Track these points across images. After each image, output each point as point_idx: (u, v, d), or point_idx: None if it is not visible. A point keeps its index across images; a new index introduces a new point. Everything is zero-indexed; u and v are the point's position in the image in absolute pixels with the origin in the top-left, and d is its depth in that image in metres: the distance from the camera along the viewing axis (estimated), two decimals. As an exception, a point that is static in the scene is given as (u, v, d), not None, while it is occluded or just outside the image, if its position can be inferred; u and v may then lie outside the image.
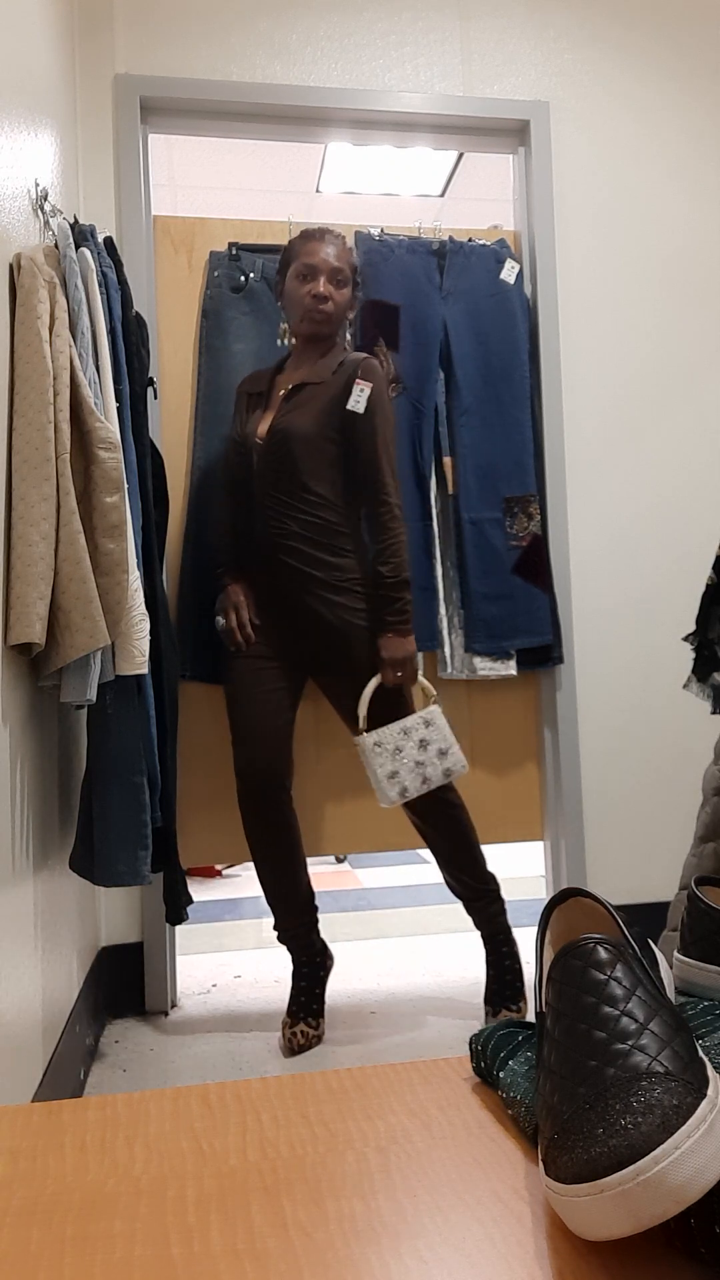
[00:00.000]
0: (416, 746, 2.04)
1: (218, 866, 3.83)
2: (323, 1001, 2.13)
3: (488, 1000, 2.16)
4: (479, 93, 2.60)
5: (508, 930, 2.18)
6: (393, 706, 2.07)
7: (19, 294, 1.49)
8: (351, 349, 2.21)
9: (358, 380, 2.08)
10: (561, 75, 2.64)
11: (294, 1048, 2.03)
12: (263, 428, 2.13)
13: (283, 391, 2.15)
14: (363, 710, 2.05)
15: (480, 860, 2.15)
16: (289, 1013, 2.11)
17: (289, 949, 2.15)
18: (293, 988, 2.13)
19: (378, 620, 2.05)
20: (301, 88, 2.50)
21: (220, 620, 2.15)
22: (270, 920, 3.14)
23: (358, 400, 2.07)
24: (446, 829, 2.12)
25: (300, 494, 2.07)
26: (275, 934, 2.15)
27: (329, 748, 2.46)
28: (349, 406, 2.07)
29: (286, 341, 2.31)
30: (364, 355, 2.14)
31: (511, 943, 2.17)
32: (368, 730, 2.05)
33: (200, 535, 2.39)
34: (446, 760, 2.05)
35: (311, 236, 2.15)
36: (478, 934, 2.89)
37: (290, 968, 2.20)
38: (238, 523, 2.19)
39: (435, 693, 2.09)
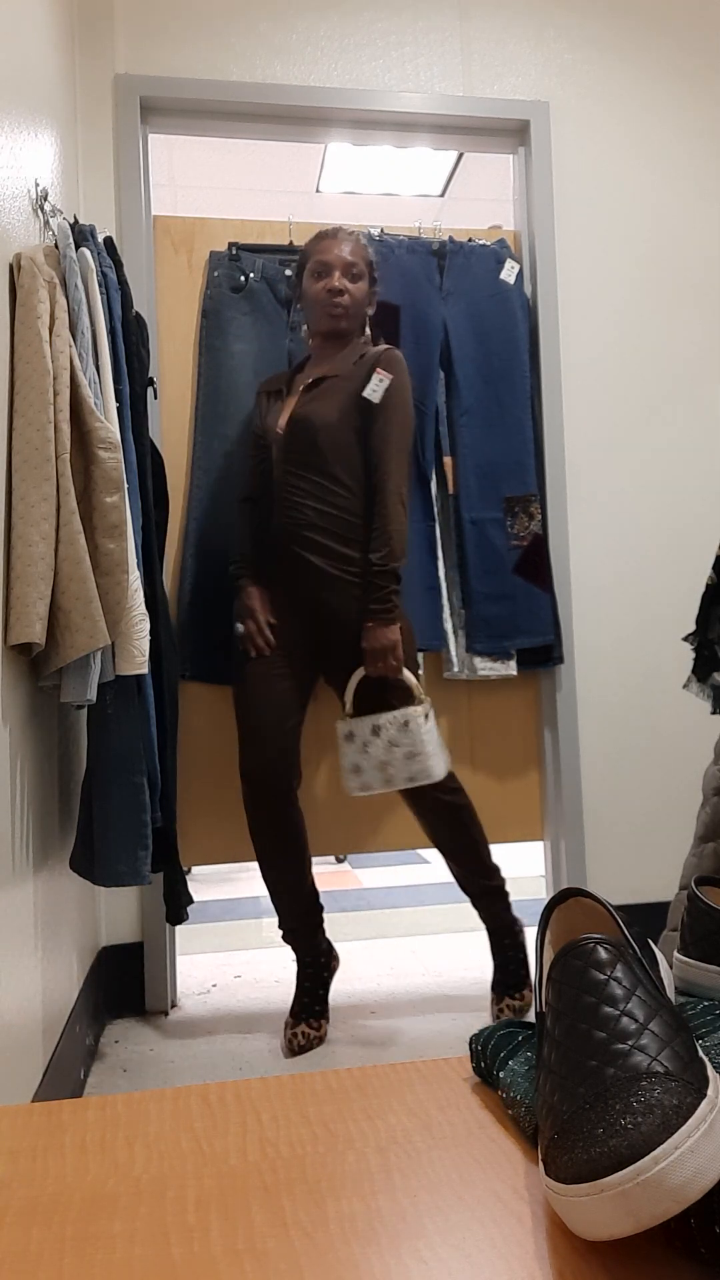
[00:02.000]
0: (385, 746, 2.02)
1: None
2: (326, 1003, 2.13)
3: (493, 988, 2.20)
4: (479, 93, 2.60)
5: (512, 924, 2.19)
6: (382, 697, 2.06)
7: (19, 294, 1.49)
8: (371, 344, 2.21)
9: (378, 370, 2.09)
10: (561, 75, 2.64)
11: (294, 1048, 2.03)
12: (283, 419, 2.14)
13: (303, 386, 2.16)
14: (348, 696, 2.07)
15: (483, 855, 2.15)
16: (292, 1013, 2.11)
17: (294, 949, 2.15)
18: (296, 988, 2.13)
19: (364, 608, 2.05)
20: (301, 88, 2.50)
21: (240, 626, 2.13)
22: (272, 920, 3.14)
23: (374, 390, 2.07)
24: (445, 822, 2.13)
25: (319, 482, 2.08)
26: (280, 934, 2.15)
27: (330, 748, 2.46)
28: (364, 394, 2.07)
29: (307, 343, 2.29)
30: (387, 347, 2.15)
31: (515, 934, 2.18)
32: (351, 716, 2.07)
33: (203, 535, 2.39)
34: (413, 765, 2.02)
35: (325, 235, 2.17)
36: (477, 933, 2.90)
37: (294, 968, 2.20)
38: (256, 521, 2.19)
39: (425, 697, 2.07)
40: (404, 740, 2.02)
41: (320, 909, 2.14)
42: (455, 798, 2.13)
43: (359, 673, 2.06)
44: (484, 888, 2.16)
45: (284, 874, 2.09)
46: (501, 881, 2.17)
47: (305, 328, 2.27)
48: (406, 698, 2.06)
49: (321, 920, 2.15)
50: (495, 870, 2.17)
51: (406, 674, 2.07)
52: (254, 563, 2.18)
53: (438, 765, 2.03)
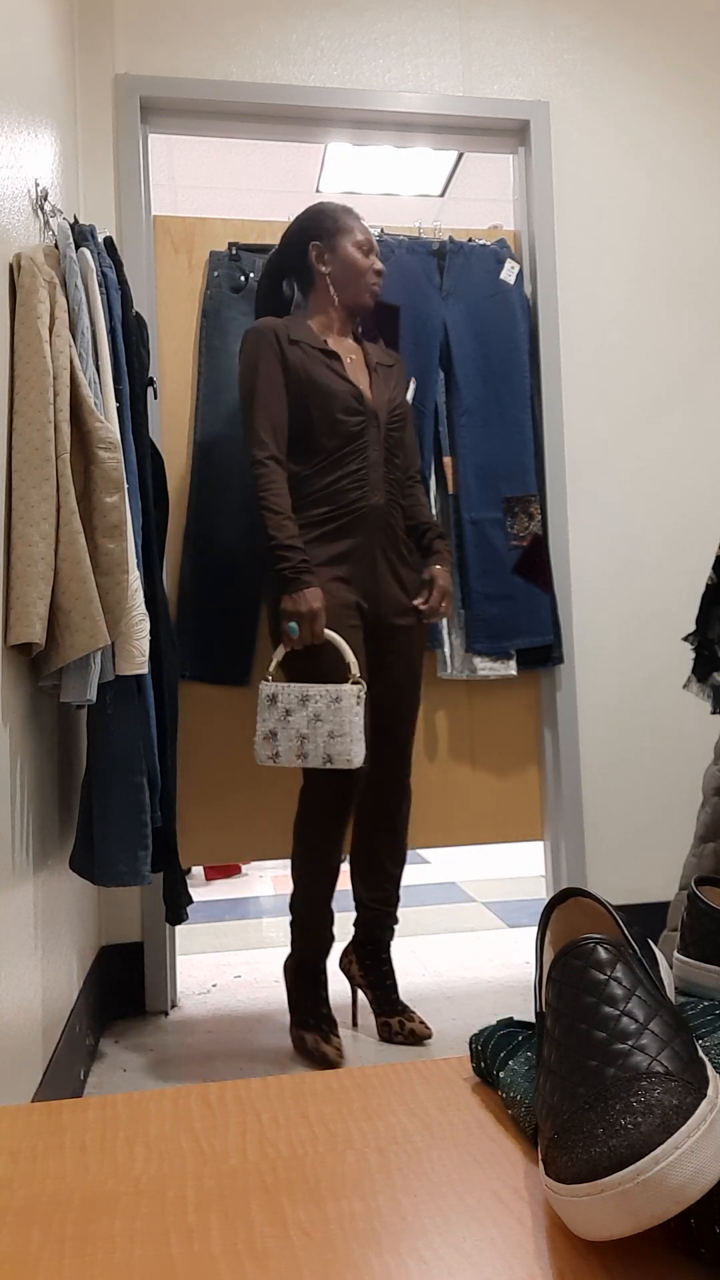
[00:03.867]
0: (309, 719, 1.92)
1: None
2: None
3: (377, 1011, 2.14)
4: (479, 93, 2.60)
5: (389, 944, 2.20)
6: (316, 667, 1.97)
7: (19, 294, 1.49)
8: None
9: (411, 379, 2.20)
10: (561, 75, 2.64)
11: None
12: (371, 394, 2.11)
13: (375, 363, 2.16)
14: (276, 656, 1.99)
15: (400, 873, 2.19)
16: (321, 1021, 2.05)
17: (313, 955, 2.07)
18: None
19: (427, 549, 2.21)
20: (301, 88, 2.50)
21: (294, 628, 1.94)
22: (272, 920, 3.14)
23: (408, 397, 2.17)
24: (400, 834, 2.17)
25: (402, 471, 2.16)
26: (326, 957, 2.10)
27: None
28: (408, 398, 2.14)
29: (296, 304, 2.25)
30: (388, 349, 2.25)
31: (389, 952, 2.19)
32: (276, 680, 1.99)
33: (203, 535, 2.38)
34: (333, 745, 1.90)
35: (351, 213, 2.17)
36: (477, 933, 2.90)
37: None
38: (318, 491, 2.04)
39: (361, 679, 1.95)
40: (331, 718, 1.90)
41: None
42: (405, 807, 2.18)
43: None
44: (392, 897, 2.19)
45: (333, 877, 2.06)
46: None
47: (310, 292, 2.16)
48: (342, 674, 1.95)
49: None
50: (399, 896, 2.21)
51: (345, 647, 1.96)
52: (304, 549, 1.99)
53: (358, 752, 1.91)
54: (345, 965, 2.19)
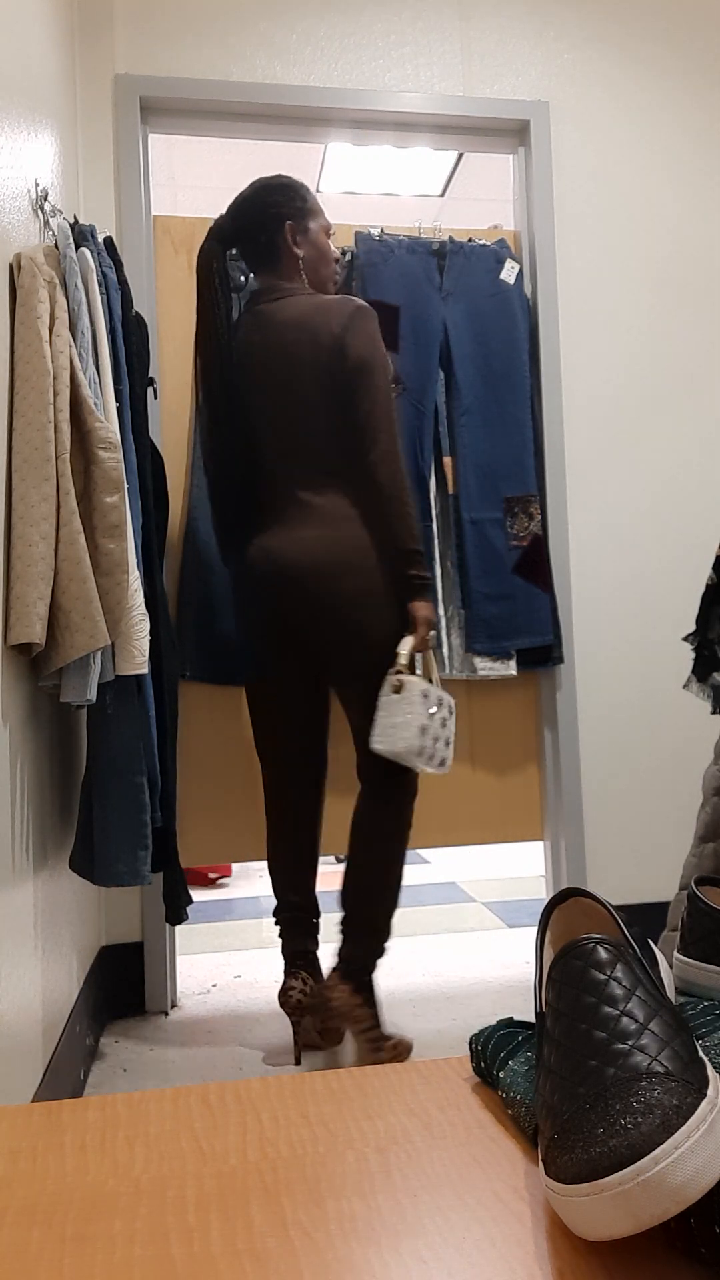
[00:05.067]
0: (444, 720, 1.93)
1: (211, 875, 3.81)
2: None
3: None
4: (479, 93, 2.60)
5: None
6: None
7: (19, 294, 1.49)
8: None
9: None
10: (561, 75, 2.65)
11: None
12: None
13: None
14: (406, 650, 1.92)
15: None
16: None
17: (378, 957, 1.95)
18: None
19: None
20: (301, 88, 2.50)
21: (435, 637, 1.97)
22: (271, 920, 3.14)
23: None
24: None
25: None
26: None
27: (330, 748, 2.45)
28: None
29: (245, 279, 2.20)
30: None
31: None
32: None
33: (203, 535, 2.38)
34: (448, 750, 1.94)
35: (312, 192, 2.10)
36: (477, 933, 2.90)
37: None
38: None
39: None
40: (451, 723, 1.95)
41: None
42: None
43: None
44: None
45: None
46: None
47: (273, 272, 2.04)
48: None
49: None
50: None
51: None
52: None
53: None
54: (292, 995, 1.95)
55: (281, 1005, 1.92)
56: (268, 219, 2.02)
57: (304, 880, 2.05)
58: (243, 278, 2.45)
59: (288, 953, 2.00)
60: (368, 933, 1.92)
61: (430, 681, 1.95)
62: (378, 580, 1.91)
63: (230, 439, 2.01)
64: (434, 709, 1.90)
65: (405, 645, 1.93)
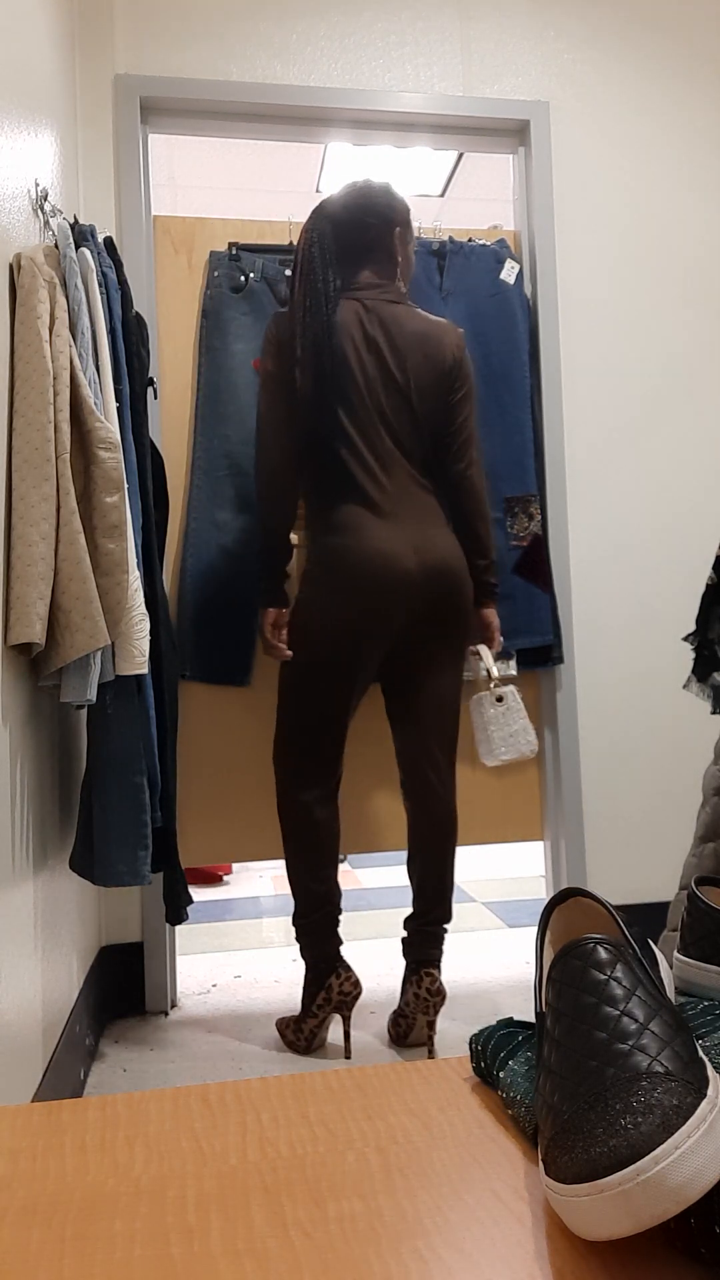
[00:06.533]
0: (519, 714, 2.21)
1: (218, 873, 3.82)
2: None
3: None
4: (479, 93, 2.60)
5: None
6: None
7: (19, 294, 1.49)
8: None
9: None
10: (561, 75, 2.65)
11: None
12: None
13: None
14: (490, 661, 2.18)
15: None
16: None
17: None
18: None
19: None
20: (301, 88, 2.50)
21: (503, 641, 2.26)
22: (272, 920, 3.14)
23: None
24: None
25: None
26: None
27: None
28: None
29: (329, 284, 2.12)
30: None
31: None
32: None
33: (203, 535, 2.38)
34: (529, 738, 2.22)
35: None
36: (477, 933, 2.90)
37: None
38: None
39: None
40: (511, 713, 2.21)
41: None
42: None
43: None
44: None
45: None
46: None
47: (384, 274, 2.09)
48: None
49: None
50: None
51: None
52: None
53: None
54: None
55: (338, 1009, 1.97)
56: (383, 219, 2.07)
57: (335, 878, 2.05)
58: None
59: (327, 954, 1.99)
60: (444, 920, 2.05)
61: (491, 678, 2.18)
62: (471, 585, 2.07)
63: (328, 417, 1.99)
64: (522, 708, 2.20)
65: (488, 655, 2.15)
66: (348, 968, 2.00)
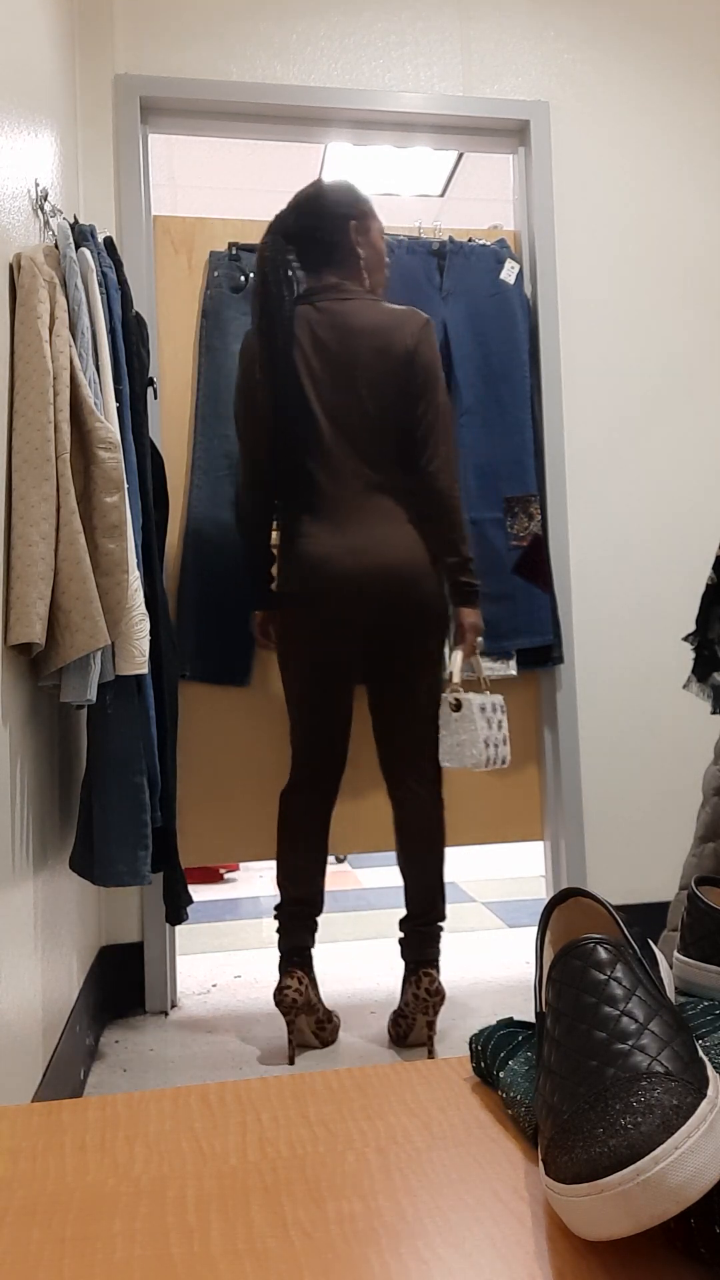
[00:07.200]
0: (499, 723, 2.08)
1: (221, 870, 3.83)
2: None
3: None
4: (479, 93, 2.60)
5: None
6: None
7: (19, 294, 1.49)
8: None
9: None
10: (561, 75, 2.65)
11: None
12: None
13: None
14: (458, 665, 2.07)
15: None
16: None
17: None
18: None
19: None
20: (301, 88, 2.50)
21: (483, 643, 2.19)
22: (271, 920, 3.14)
23: None
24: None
25: None
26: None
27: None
28: None
29: (297, 283, 2.14)
30: None
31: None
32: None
33: (203, 535, 2.38)
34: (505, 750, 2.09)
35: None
36: (476, 933, 2.90)
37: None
38: None
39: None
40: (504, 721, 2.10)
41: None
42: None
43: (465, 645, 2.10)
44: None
45: None
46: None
47: (336, 271, 2.07)
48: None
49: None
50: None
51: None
52: None
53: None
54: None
55: (277, 1004, 1.93)
56: (333, 217, 2.05)
57: (318, 877, 2.05)
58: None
59: (286, 948, 2.00)
60: (438, 920, 2.03)
61: (479, 681, 2.07)
62: (437, 584, 1.99)
63: (297, 426, 2.00)
64: (490, 717, 2.02)
65: (456, 659, 2.04)
66: (302, 973, 1.96)
